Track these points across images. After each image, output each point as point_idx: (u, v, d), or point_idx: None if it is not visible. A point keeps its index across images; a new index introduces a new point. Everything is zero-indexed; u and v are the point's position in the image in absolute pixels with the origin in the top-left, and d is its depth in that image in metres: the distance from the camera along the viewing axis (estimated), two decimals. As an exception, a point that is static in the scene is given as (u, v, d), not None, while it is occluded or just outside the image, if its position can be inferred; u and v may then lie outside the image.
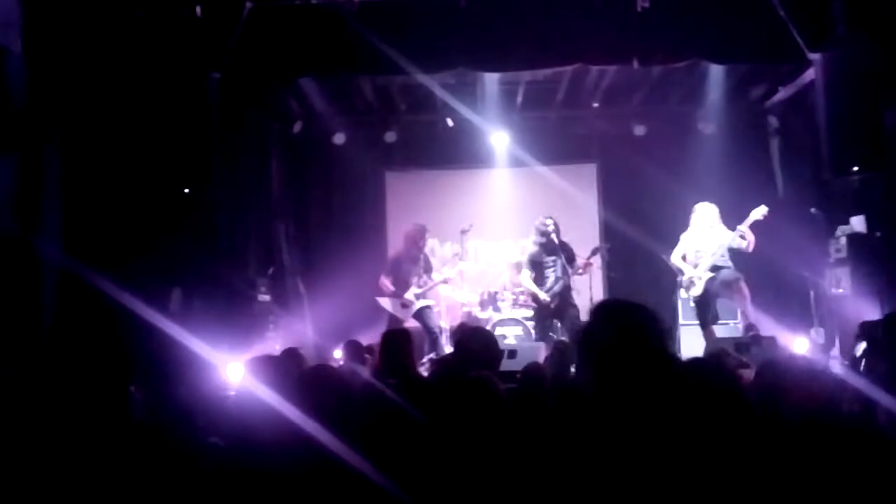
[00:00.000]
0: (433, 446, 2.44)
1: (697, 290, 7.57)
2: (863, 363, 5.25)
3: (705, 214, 7.59)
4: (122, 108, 6.47)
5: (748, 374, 4.85)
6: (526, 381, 4.36)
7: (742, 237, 7.41)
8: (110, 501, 2.45)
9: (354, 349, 5.86)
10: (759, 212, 7.36)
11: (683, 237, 7.74)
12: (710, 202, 7.71)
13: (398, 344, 4.09)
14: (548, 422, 2.73)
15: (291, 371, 3.06)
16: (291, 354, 4.92)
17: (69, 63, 5.98)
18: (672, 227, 7.94)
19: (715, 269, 7.50)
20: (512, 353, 8.28)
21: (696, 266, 7.57)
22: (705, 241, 7.56)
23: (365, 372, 4.89)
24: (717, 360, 5.14)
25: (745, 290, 7.42)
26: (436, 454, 2.38)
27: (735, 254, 7.56)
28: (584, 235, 9.54)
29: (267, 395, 2.45)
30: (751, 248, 7.42)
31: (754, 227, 7.38)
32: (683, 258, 7.71)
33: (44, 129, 5.71)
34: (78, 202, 6.06)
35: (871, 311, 6.87)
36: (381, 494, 2.22)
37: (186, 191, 7.49)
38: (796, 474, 2.28)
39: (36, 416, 2.88)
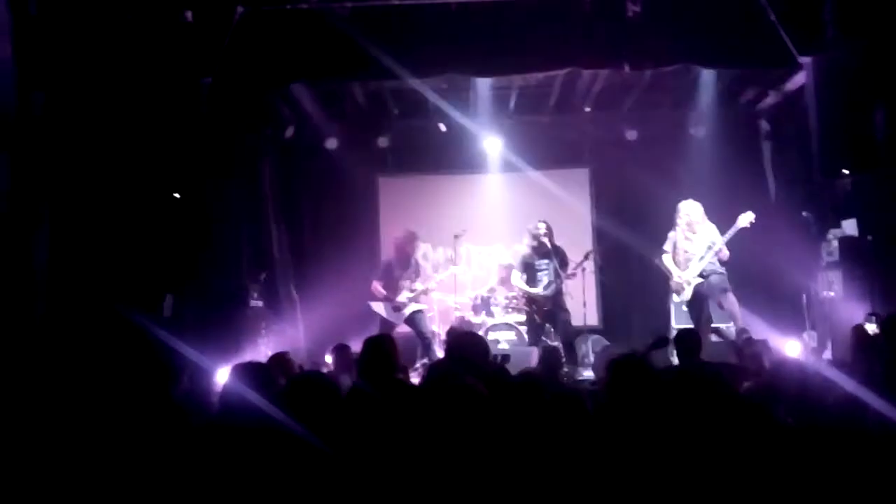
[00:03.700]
0: (415, 450, 2.43)
1: (687, 295, 7.57)
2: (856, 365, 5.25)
3: (690, 213, 7.58)
4: (112, 112, 6.45)
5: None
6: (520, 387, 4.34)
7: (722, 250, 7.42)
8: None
9: (343, 354, 5.83)
10: (746, 218, 7.33)
11: (671, 236, 7.73)
12: (700, 204, 7.69)
13: (380, 349, 4.05)
14: (539, 426, 2.72)
15: (274, 378, 3.04)
16: (278, 360, 4.90)
17: (59, 67, 5.96)
18: (664, 232, 7.94)
19: (704, 273, 7.49)
20: (505, 358, 8.29)
21: (685, 269, 7.56)
22: (692, 242, 7.56)
23: (349, 377, 4.87)
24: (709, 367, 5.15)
25: (732, 296, 7.42)
26: (417, 457, 2.38)
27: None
28: (576, 240, 9.55)
29: (252, 400, 2.44)
30: (724, 260, 7.44)
31: (743, 232, 7.38)
32: (672, 258, 7.70)
33: (34, 132, 5.69)
34: (69, 206, 6.04)
35: (863, 315, 6.89)
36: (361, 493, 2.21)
37: (177, 196, 7.47)
38: (790, 473, 2.29)
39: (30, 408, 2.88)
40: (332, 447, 2.27)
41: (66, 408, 3.22)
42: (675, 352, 5.73)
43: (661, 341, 6.04)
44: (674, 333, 8.31)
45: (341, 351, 5.87)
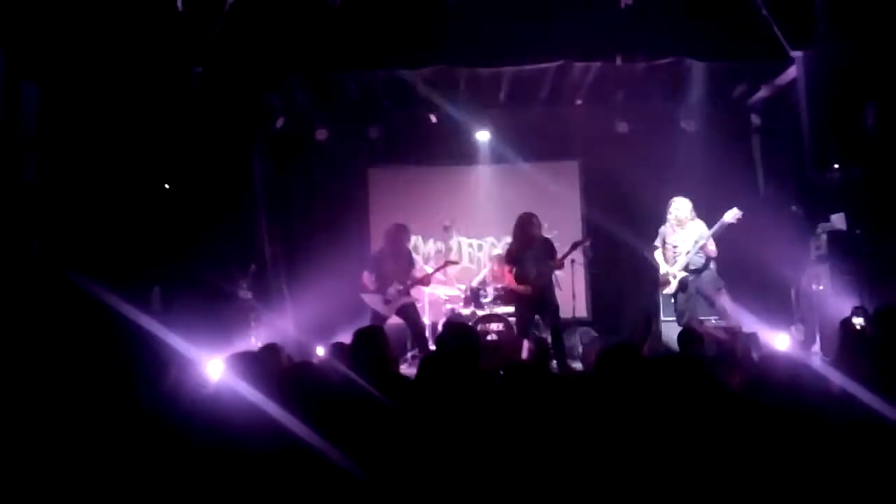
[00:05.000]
0: (407, 439, 2.43)
1: (671, 289, 7.57)
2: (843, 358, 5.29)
3: (679, 209, 7.57)
4: (101, 101, 6.41)
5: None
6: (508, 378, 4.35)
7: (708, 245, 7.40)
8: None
9: (340, 351, 5.82)
10: (732, 215, 7.28)
11: (661, 231, 7.74)
12: (692, 199, 7.69)
13: (371, 340, 4.05)
14: (532, 414, 2.73)
15: (270, 367, 3.04)
16: (270, 350, 4.88)
17: (48, 56, 5.92)
18: (654, 225, 7.95)
19: (691, 268, 7.49)
20: (495, 350, 8.30)
21: (673, 263, 7.57)
22: (680, 238, 7.56)
23: (342, 368, 4.85)
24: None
25: (726, 293, 7.45)
26: (410, 446, 2.38)
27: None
28: (566, 232, 9.56)
29: (245, 391, 2.43)
30: (711, 255, 7.43)
31: (732, 226, 7.37)
32: (662, 253, 7.72)
33: (21, 121, 5.65)
34: (57, 198, 6.01)
35: (851, 309, 6.92)
36: (356, 484, 2.21)
37: (167, 186, 7.44)
38: (777, 460, 2.30)
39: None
40: (326, 438, 2.26)
41: (55, 404, 3.20)
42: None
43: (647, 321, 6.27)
44: (661, 327, 8.42)
45: (338, 348, 5.86)
